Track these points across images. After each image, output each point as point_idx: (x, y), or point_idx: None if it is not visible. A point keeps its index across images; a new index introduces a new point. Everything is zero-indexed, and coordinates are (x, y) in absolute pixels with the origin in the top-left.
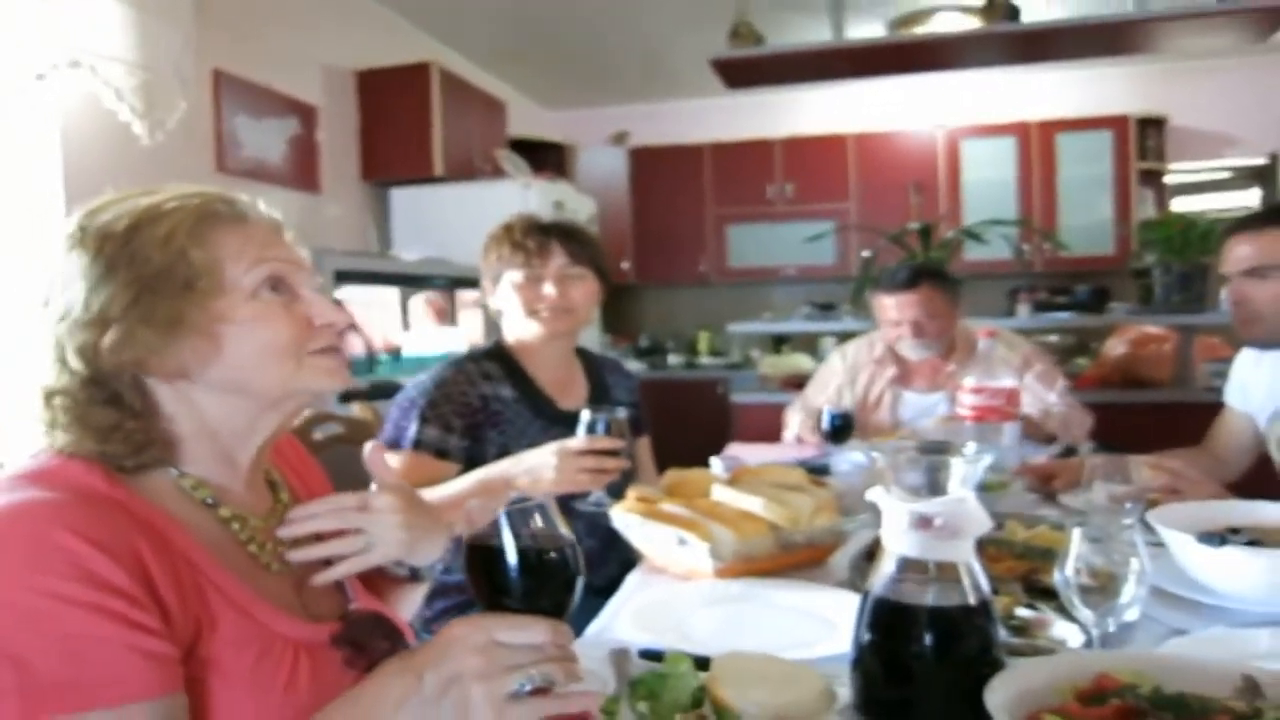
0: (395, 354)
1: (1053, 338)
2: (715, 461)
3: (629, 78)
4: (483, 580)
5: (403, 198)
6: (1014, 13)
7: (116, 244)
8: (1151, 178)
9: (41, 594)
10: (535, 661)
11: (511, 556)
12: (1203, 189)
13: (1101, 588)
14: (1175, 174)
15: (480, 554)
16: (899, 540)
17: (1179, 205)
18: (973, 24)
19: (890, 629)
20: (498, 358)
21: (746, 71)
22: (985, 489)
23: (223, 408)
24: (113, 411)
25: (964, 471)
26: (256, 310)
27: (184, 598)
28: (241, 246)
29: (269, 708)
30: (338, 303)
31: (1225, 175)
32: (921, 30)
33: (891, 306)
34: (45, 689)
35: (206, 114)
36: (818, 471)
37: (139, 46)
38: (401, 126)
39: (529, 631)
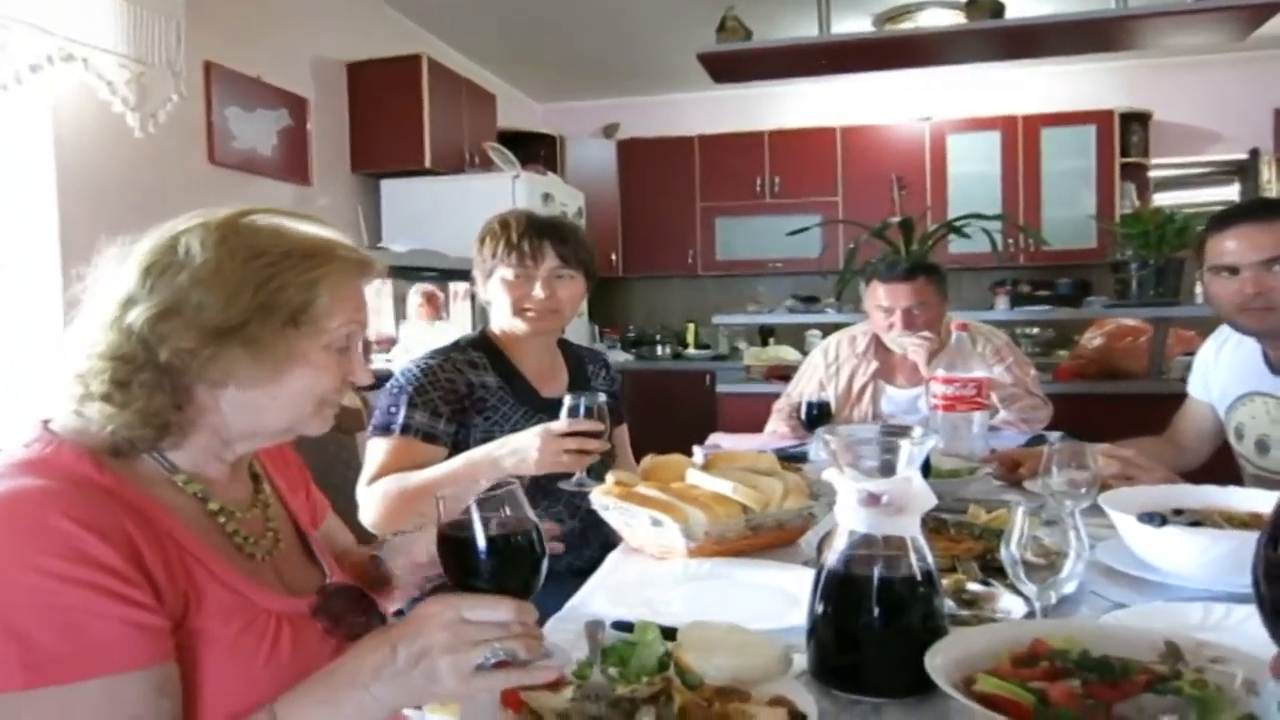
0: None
1: (1034, 330)
2: (697, 450)
3: (618, 71)
4: (453, 564)
5: (393, 189)
6: (999, 9)
7: (263, 264)
8: (1135, 172)
9: (40, 573)
10: (500, 637)
11: (480, 542)
12: (1185, 184)
13: (1049, 564)
14: (1158, 169)
15: (451, 540)
16: (850, 516)
17: (1161, 200)
18: (958, 20)
19: (842, 599)
20: (483, 347)
21: (733, 66)
22: (953, 475)
23: (238, 416)
24: (165, 399)
25: (911, 452)
26: (322, 359)
27: (172, 574)
28: (346, 302)
29: (253, 673)
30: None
31: (1207, 170)
32: (907, 26)
33: (885, 295)
34: (46, 661)
35: (198, 106)
36: (795, 459)
37: (131, 39)
38: (391, 118)
39: (494, 610)
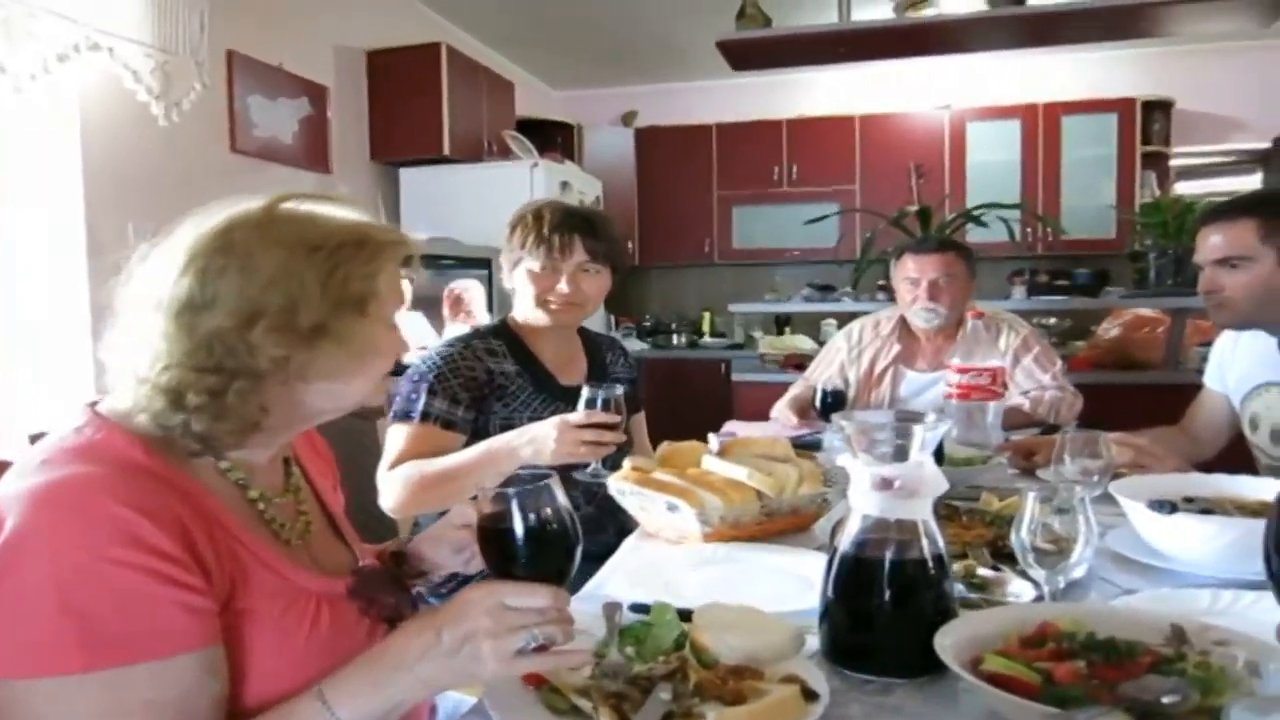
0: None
1: (1051, 320)
2: (712, 437)
3: (637, 58)
4: (493, 553)
5: (412, 178)
6: None
7: (323, 257)
8: (1156, 161)
9: (96, 558)
10: (538, 623)
11: (519, 532)
12: (1206, 173)
13: (1059, 550)
14: (1180, 158)
15: (491, 531)
16: (864, 500)
17: (1183, 189)
18: (979, 7)
19: (854, 581)
20: (503, 335)
21: (753, 53)
22: (967, 463)
23: (318, 402)
24: (257, 402)
25: (924, 438)
26: (389, 341)
27: (219, 557)
28: (395, 283)
29: (296, 651)
30: None
31: (1229, 160)
32: (928, 13)
33: (914, 266)
34: (103, 642)
35: (220, 95)
36: (809, 447)
37: (156, 28)
38: (411, 107)
39: (533, 597)
